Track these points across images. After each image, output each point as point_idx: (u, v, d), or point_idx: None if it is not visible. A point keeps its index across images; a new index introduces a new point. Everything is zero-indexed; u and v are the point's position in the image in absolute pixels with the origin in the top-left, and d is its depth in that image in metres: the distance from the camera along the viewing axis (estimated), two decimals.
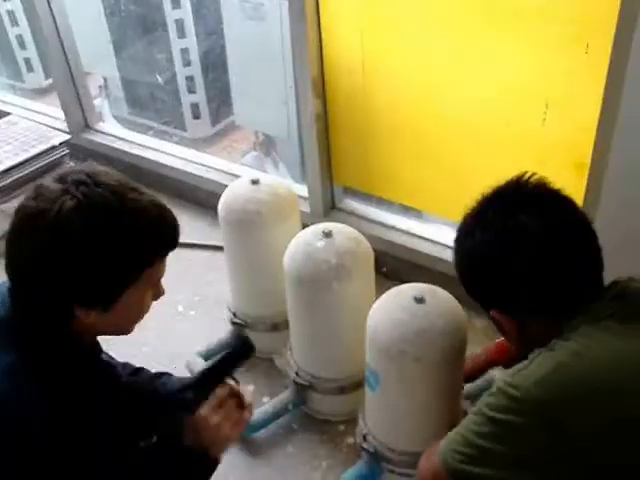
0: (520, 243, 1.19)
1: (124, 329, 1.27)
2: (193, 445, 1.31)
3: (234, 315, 2.27)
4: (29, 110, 3.70)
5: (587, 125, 1.78)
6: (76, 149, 3.33)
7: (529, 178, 1.25)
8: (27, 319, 1.16)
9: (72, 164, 3.18)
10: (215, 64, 3.64)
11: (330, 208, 2.62)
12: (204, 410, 1.33)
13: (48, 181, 1.14)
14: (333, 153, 2.50)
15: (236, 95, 3.32)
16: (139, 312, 1.25)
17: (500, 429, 1.12)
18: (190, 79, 3.71)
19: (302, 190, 2.65)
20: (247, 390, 1.42)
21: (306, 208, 2.58)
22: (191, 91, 3.74)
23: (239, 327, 2.27)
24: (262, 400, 2.13)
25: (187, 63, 3.67)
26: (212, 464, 1.34)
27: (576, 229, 1.22)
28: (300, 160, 2.85)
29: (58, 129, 3.36)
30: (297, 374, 2.03)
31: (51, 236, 1.09)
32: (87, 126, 3.48)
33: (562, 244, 1.19)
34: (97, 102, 3.91)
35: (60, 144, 3.15)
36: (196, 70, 3.69)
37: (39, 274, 1.12)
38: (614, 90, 1.63)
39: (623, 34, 1.57)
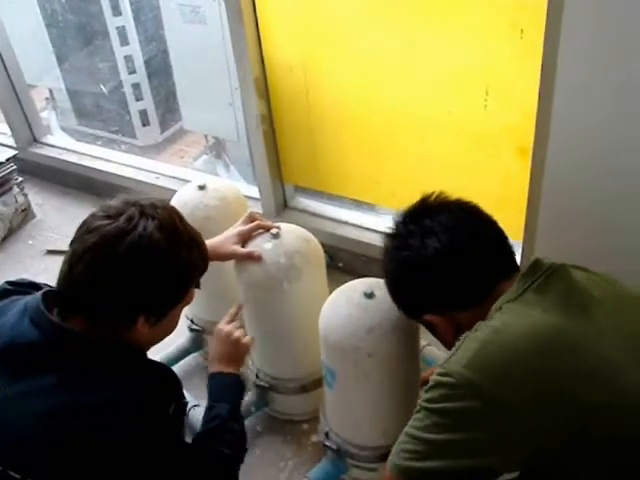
0: (437, 244, 1.28)
1: (157, 341, 1.37)
2: (218, 366, 1.59)
3: (191, 322, 2.26)
4: None
5: (527, 110, 1.80)
6: (25, 164, 3.28)
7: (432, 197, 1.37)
8: (86, 335, 1.21)
9: (20, 179, 3.13)
10: (160, 70, 3.61)
11: (282, 207, 2.62)
12: (219, 324, 1.67)
13: (116, 203, 1.25)
14: (281, 153, 2.50)
15: (183, 100, 3.30)
16: (174, 326, 1.39)
17: (443, 418, 1.12)
18: (136, 86, 3.67)
19: (254, 191, 2.65)
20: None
21: (258, 209, 2.58)
22: (138, 98, 3.71)
23: (197, 333, 2.26)
24: None
25: (132, 70, 3.63)
26: (241, 382, 1.61)
27: (480, 223, 1.34)
28: (251, 161, 2.84)
29: (4, 145, 3.32)
30: (257, 376, 2.03)
31: (138, 252, 1.19)
32: (35, 140, 3.43)
33: (470, 240, 1.30)
34: (44, 115, 3.85)
35: (7, 160, 3.09)
36: (142, 77, 3.66)
37: (120, 290, 1.20)
38: (549, 73, 1.64)
39: (553, 18, 1.59)
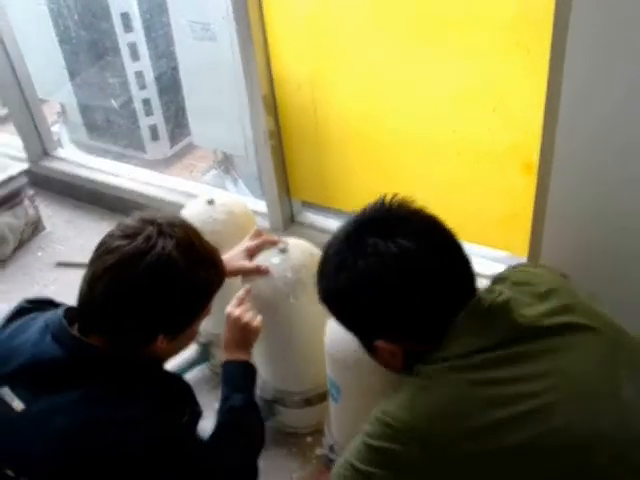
0: (402, 264, 1.16)
1: (176, 354, 1.42)
2: (230, 353, 1.61)
3: (199, 334, 2.28)
4: None
5: (533, 127, 1.82)
6: (36, 177, 3.33)
7: (392, 200, 1.25)
8: (107, 352, 1.24)
9: (32, 192, 3.17)
10: (170, 86, 3.66)
11: (290, 222, 2.64)
12: (228, 307, 1.66)
13: (133, 222, 1.26)
14: (289, 168, 2.53)
15: (192, 115, 3.34)
16: (193, 338, 1.43)
17: (380, 456, 1.14)
18: (146, 102, 3.73)
19: (262, 206, 2.67)
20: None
21: (266, 223, 2.60)
22: (148, 113, 3.76)
23: (204, 345, 2.28)
24: None
25: (142, 86, 3.69)
26: (252, 369, 1.62)
27: (448, 249, 1.21)
28: (259, 176, 2.86)
29: (16, 158, 3.36)
30: (262, 389, 2.04)
31: (158, 272, 1.20)
32: (46, 153, 3.47)
33: (428, 268, 1.17)
34: (55, 129, 3.90)
35: (19, 173, 3.12)
36: (152, 92, 3.71)
37: (141, 308, 1.22)
38: (554, 91, 1.66)
39: (558, 36, 1.61)
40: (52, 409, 1.19)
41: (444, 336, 1.16)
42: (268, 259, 1.81)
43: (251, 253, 1.83)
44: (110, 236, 1.25)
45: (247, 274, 1.82)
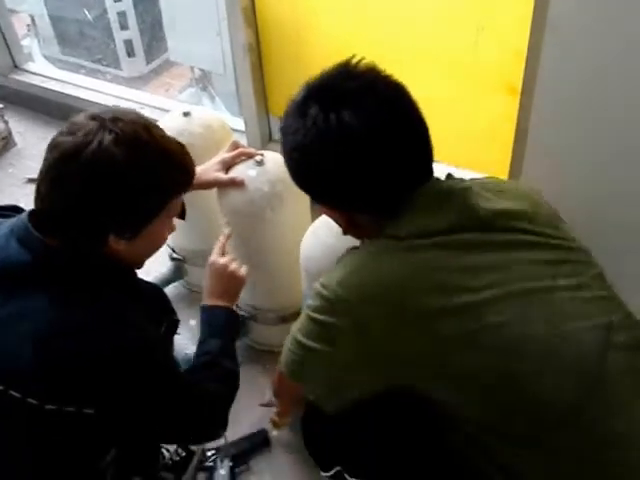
0: (341, 142, 1.11)
1: (142, 259, 1.35)
2: (213, 300, 1.56)
3: (173, 251, 2.26)
4: None
5: (518, 48, 1.78)
6: (5, 91, 3.23)
7: (357, 64, 1.18)
8: (65, 253, 1.20)
9: (1, 106, 3.08)
10: None
11: (268, 140, 2.59)
12: (212, 256, 1.61)
13: (81, 118, 1.19)
14: (268, 84, 2.46)
15: (169, 30, 3.23)
16: (159, 242, 1.36)
17: (320, 328, 1.14)
18: (122, 14, 3.60)
19: (239, 123, 2.62)
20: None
21: (243, 141, 2.55)
22: (123, 27, 3.64)
23: (178, 262, 2.25)
24: None
25: None
26: (235, 317, 1.60)
27: (404, 127, 1.14)
28: (236, 92, 2.80)
29: None
30: (238, 306, 2.02)
31: (93, 168, 1.14)
32: (15, 66, 3.36)
33: (385, 144, 1.11)
34: (26, 42, 3.77)
35: None
36: (127, 5, 3.58)
37: (81, 207, 1.17)
38: (541, 8, 1.62)
39: None
40: (22, 313, 1.16)
41: (395, 213, 1.14)
42: (244, 171, 1.77)
43: (227, 165, 1.79)
44: (59, 133, 1.20)
45: (222, 186, 1.78)
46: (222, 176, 1.75)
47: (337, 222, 1.28)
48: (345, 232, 1.28)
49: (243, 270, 1.62)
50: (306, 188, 1.24)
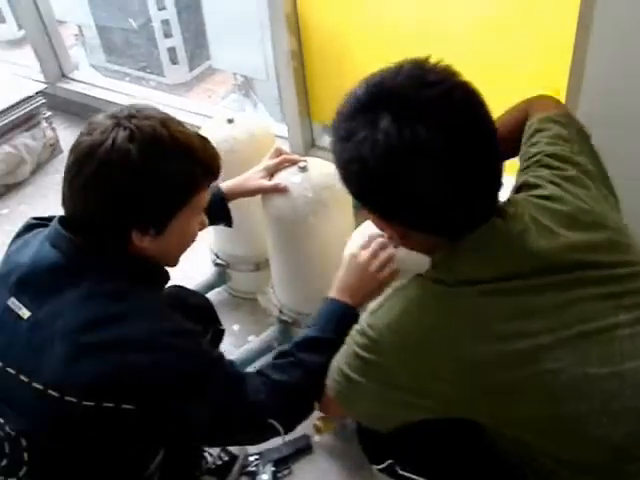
0: (413, 161, 1.01)
1: (173, 257, 1.34)
2: (340, 294, 1.41)
3: (216, 256, 2.27)
4: (3, 61, 3.64)
5: (563, 49, 1.76)
6: (53, 99, 3.29)
7: (433, 66, 1.06)
8: (90, 251, 1.21)
9: (48, 114, 3.14)
10: (190, 6, 3.57)
11: (310, 146, 2.60)
12: (352, 248, 1.45)
13: (99, 118, 1.20)
14: (310, 90, 2.47)
15: (212, 37, 3.26)
16: (188, 238, 1.34)
17: (364, 365, 1.14)
18: (165, 23, 3.64)
19: (282, 130, 2.63)
20: None
21: (286, 147, 2.56)
22: (167, 35, 3.68)
23: (221, 267, 2.27)
24: (247, 339, 2.15)
25: (162, 7, 3.60)
26: (354, 316, 1.33)
27: (480, 148, 1.05)
28: (279, 99, 2.81)
29: (33, 79, 3.31)
30: (281, 311, 2.03)
31: (109, 166, 1.15)
32: (63, 75, 3.43)
33: (459, 166, 1.02)
34: (73, 51, 3.85)
35: (36, 94, 3.09)
36: (171, 13, 3.62)
37: (98, 204, 1.18)
38: (588, 10, 1.60)
39: None
40: (55, 312, 1.18)
41: (454, 238, 1.09)
42: (288, 178, 1.78)
43: (270, 172, 1.79)
44: (79, 134, 1.22)
45: (266, 192, 1.79)
46: (266, 183, 1.76)
47: (387, 233, 1.22)
48: (396, 245, 1.26)
49: (389, 270, 1.41)
50: (361, 199, 1.15)
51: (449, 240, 1.10)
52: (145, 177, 1.17)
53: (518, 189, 1.22)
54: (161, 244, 1.25)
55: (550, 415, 1.04)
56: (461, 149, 1.02)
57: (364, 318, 1.16)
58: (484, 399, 1.06)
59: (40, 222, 1.37)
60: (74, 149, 1.19)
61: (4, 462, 1.22)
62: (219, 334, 1.43)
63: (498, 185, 1.09)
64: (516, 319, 1.04)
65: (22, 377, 1.18)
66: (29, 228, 1.36)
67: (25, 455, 1.20)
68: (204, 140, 1.30)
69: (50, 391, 1.16)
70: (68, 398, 1.15)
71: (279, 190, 1.74)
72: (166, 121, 1.22)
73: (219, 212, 1.75)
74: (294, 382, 1.30)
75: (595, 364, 1.03)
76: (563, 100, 1.77)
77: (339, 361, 1.21)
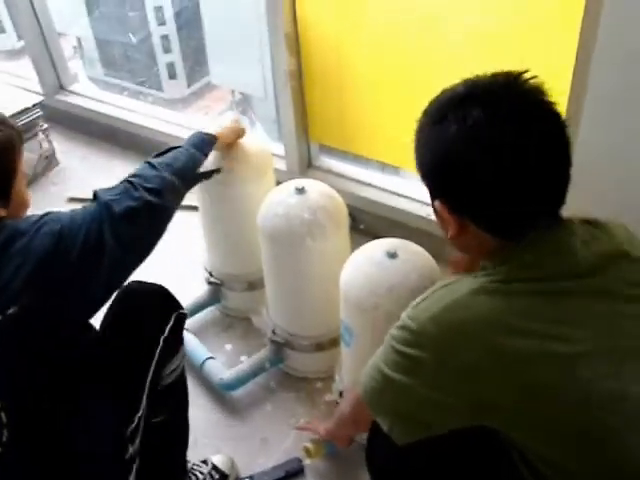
0: (496, 152, 1.07)
1: (21, 214, 1.46)
2: None
3: (210, 275, 2.26)
4: (1, 72, 3.64)
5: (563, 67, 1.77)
6: (50, 111, 3.28)
7: (526, 81, 1.11)
8: None
9: (45, 126, 3.13)
10: (190, 23, 3.58)
11: (307, 166, 2.60)
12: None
13: None
14: (309, 111, 2.47)
15: (212, 54, 3.27)
16: (27, 197, 1.49)
17: (402, 360, 1.13)
18: (165, 38, 3.65)
19: (279, 148, 2.62)
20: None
21: (282, 166, 2.56)
22: (166, 50, 3.70)
23: (215, 286, 2.26)
24: (240, 359, 2.14)
25: (162, 22, 3.61)
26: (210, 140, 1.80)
27: (558, 157, 1.11)
28: (277, 118, 2.81)
29: (31, 91, 3.31)
30: (274, 332, 2.02)
31: None
32: (61, 87, 3.42)
33: (536, 170, 1.08)
34: (72, 64, 3.84)
35: (33, 105, 3.09)
36: (171, 29, 3.63)
37: None
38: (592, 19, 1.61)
39: None
40: None
41: (510, 240, 1.12)
42: (285, 199, 1.78)
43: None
44: None
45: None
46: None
47: (443, 225, 1.23)
48: (450, 238, 1.22)
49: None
50: (435, 181, 1.19)
51: (503, 240, 1.13)
52: None
53: None
54: (11, 210, 1.38)
55: (578, 422, 1.05)
56: (542, 154, 1.08)
57: (405, 313, 1.16)
58: (517, 396, 1.05)
59: None
60: None
61: None
62: (181, 318, 1.50)
63: (564, 194, 1.13)
64: (560, 322, 1.06)
65: None
66: None
67: (3, 415, 1.24)
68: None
69: None
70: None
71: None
72: None
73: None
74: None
75: (626, 381, 1.04)
76: (565, 106, 1.78)
77: (376, 361, 1.20)
